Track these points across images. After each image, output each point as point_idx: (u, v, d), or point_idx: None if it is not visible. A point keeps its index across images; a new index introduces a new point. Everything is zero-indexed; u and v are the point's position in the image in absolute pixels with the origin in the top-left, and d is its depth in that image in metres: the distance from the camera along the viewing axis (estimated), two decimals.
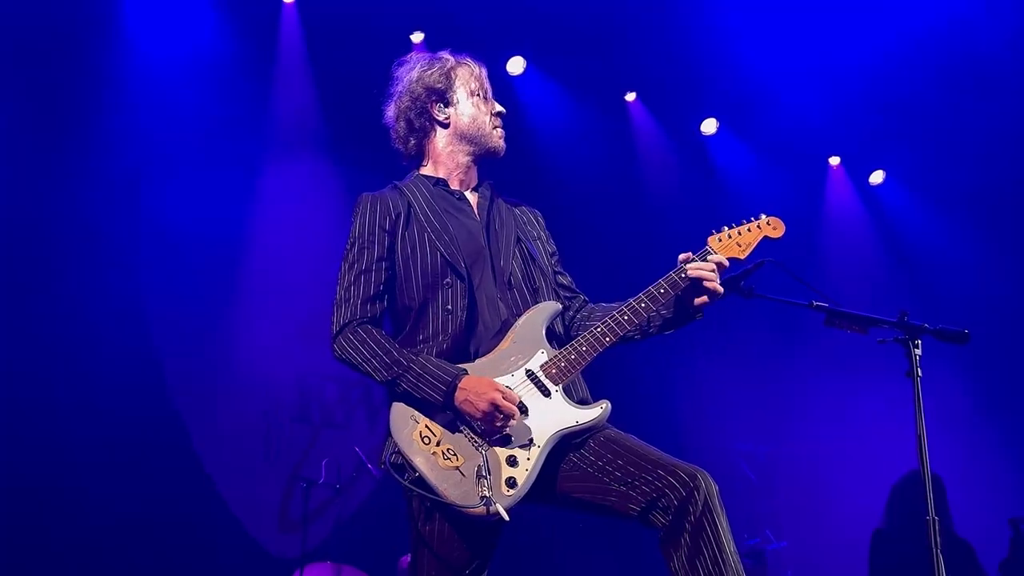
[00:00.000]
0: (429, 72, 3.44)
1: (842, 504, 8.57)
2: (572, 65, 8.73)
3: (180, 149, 8.01)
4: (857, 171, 9.80)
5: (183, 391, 8.00)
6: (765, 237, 3.34)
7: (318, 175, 8.77)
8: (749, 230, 3.34)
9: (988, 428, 8.73)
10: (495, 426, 2.97)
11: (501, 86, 8.70)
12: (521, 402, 3.04)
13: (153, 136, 7.85)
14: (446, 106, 3.43)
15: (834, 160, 9.79)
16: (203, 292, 8.10)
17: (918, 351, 3.48)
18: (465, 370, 3.05)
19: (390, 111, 3.54)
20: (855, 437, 8.74)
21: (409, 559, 6.98)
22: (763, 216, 3.36)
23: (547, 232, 3.60)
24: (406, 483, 3.00)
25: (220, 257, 8.23)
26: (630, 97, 9.19)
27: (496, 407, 2.94)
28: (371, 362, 3.10)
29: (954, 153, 8.93)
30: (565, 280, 3.53)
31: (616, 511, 2.99)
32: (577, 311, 3.46)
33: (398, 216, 3.29)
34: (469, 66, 3.50)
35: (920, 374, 3.46)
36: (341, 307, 3.21)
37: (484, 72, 3.52)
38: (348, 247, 3.31)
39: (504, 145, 3.50)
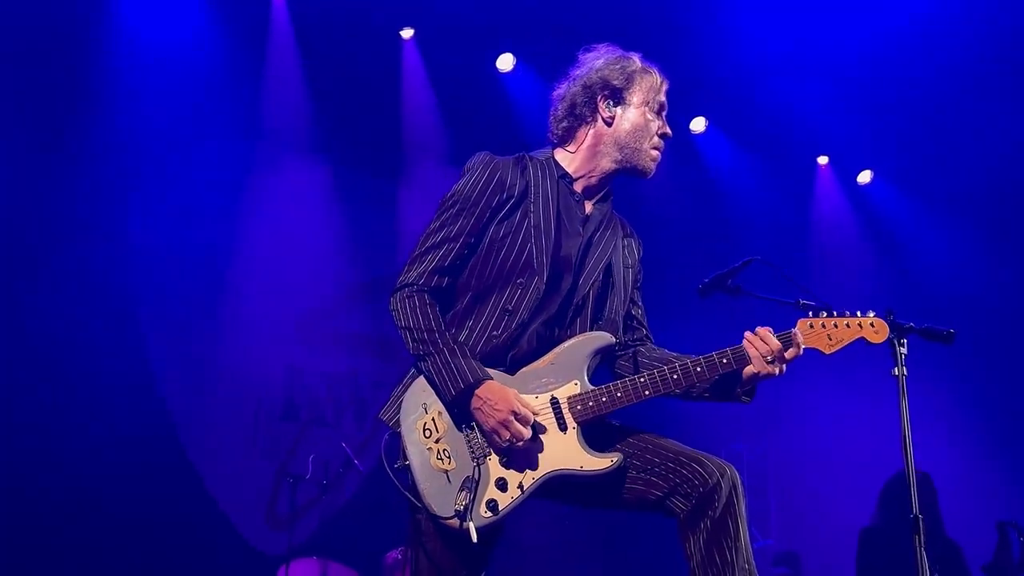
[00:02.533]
0: (612, 66, 3.27)
1: (828, 503, 8.60)
2: (561, 62, 8.70)
3: (170, 146, 8.00)
4: (845, 171, 9.84)
5: (171, 388, 7.98)
6: (862, 339, 3.09)
7: (308, 173, 8.78)
8: (848, 326, 3.09)
9: (974, 427, 8.77)
10: (500, 442, 2.90)
11: (490, 82, 8.75)
12: (534, 427, 2.94)
13: (143, 133, 7.83)
14: (615, 104, 3.25)
15: (822, 159, 9.82)
16: (192, 290, 8.09)
17: (903, 350, 3.49)
18: (491, 376, 2.96)
19: (560, 89, 3.37)
20: (842, 436, 8.78)
21: (394, 555, 7.02)
22: (870, 314, 3.12)
23: (640, 263, 3.43)
24: (400, 465, 2.98)
25: (210, 255, 8.23)
26: None
27: (506, 426, 2.88)
28: (412, 332, 3.03)
29: (942, 154, 8.97)
30: (636, 312, 3.37)
31: (638, 500, 2.98)
32: (637, 344, 3.32)
33: (509, 197, 3.13)
34: (654, 76, 3.30)
35: (906, 373, 3.47)
36: (414, 264, 3.11)
37: (666, 88, 3.33)
38: (448, 202, 3.16)
39: (653, 169, 3.30)
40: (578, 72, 3.33)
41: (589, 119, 3.27)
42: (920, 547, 3.46)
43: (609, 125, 3.24)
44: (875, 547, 5.98)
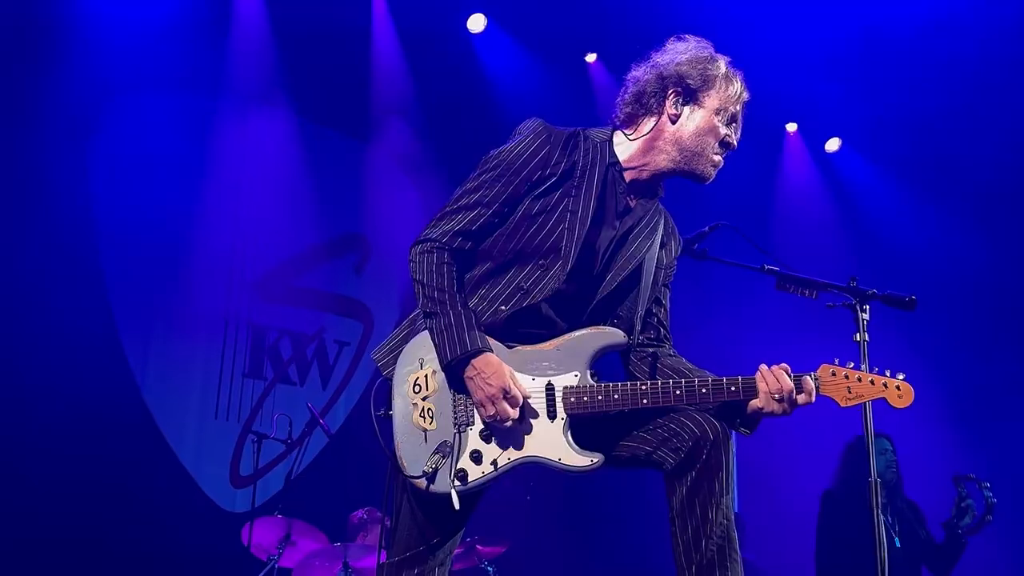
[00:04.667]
0: (694, 64, 3.10)
1: (790, 468, 8.70)
2: (533, 24, 8.67)
3: (131, 100, 7.91)
4: (813, 138, 9.87)
5: (134, 346, 7.94)
6: (883, 400, 2.95)
7: (274, 129, 8.69)
8: (872, 383, 2.95)
9: (935, 392, 8.89)
10: (485, 414, 2.88)
11: (461, 43, 8.68)
12: (523, 408, 2.92)
13: (104, 84, 7.74)
14: (684, 103, 3.10)
15: (791, 127, 9.85)
16: (155, 246, 8.02)
17: (866, 316, 3.54)
18: (490, 348, 2.91)
19: (635, 72, 3.21)
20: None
21: (359, 514, 7.03)
22: (900, 376, 2.97)
23: (675, 265, 3.32)
24: (381, 413, 2.97)
25: (173, 211, 8.15)
26: (590, 58, 9.16)
27: (494, 401, 2.85)
28: (424, 287, 2.98)
29: (909, 123, 9.01)
30: (659, 312, 3.25)
31: (631, 456, 2.98)
32: (651, 346, 3.22)
33: (551, 175, 3.02)
34: (735, 85, 3.14)
35: (867, 338, 3.51)
36: (442, 220, 3.05)
37: (746, 99, 3.18)
38: (492, 163, 3.07)
39: (713, 176, 3.16)
40: (658, 59, 3.18)
41: (655, 111, 3.13)
42: (877, 509, 3.51)
43: (673, 122, 3.11)
44: (836, 509, 6.07)
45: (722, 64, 3.15)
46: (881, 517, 3.50)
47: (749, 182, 9.63)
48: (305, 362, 8.90)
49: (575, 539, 9.29)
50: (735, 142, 3.17)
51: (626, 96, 3.19)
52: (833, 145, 9.86)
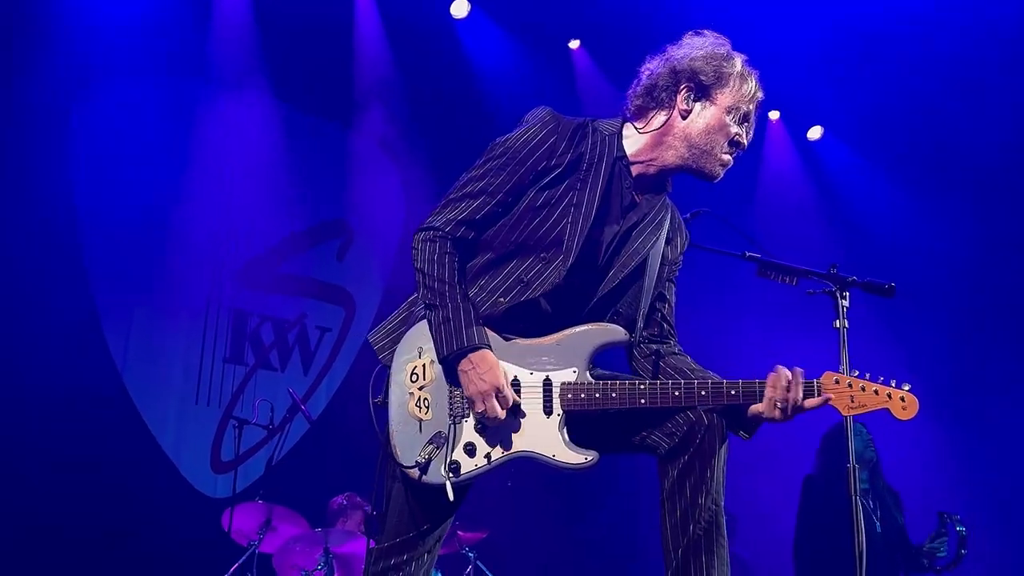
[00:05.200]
0: (708, 59, 3.05)
1: (771, 450, 8.73)
2: (517, 10, 8.65)
3: (113, 84, 7.86)
4: (796, 126, 9.89)
5: (115, 330, 7.91)
6: (886, 411, 2.92)
7: (257, 114, 8.65)
8: (876, 393, 2.93)
9: (913, 377, 8.94)
10: (475, 410, 2.87)
11: (444, 29, 8.65)
12: (518, 404, 2.90)
13: (87, 69, 7.68)
14: (696, 99, 3.05)
15: (774, 114, 9.86)
16: (137, 232, 7.99)
17: (845, 303, 3.56)
18: (488, 344, 2.89)
19: (650, 64, 3.15)
20: None
21: (339, 500, 7.02)
22: (905, 387, 2.95)
23: (682, 257, 3.28)
24: (376, 400, 2.96)
25: (155, 196, 8.11)
26: (574, 44, 9.14)
27: (485, 398, 2.84)
28: (425, 277, 2.94)
29: (891, 112, 9.04)
30: (663, 308, 3.22)
31: (624, 440, 2.99)
32: (654, 343, 3.19)
33: (556, 166, 2.98)
34: (750, 84, 3.09)
35: (847, 325, 3.53)
36: (446, 208, 3.00)
37: (760, 99, 3.13)
38: (498, 150, 3.02)
39: (721, 175, 3.11)
40: (673, 53, 3.12)
41: (667, 105, 3.08)
42: (855, 496, 3.54)
43: (684, 118, 3.06)
44: (816, 495, 6.11)
45: (738, 62, 3.10)
46: (859, 504, 3.52)
47: (731, 170, 9.64)
48: (287, 348, 8.88)
49: (556, 525, 9.32)
50: (746, 142, 3.12)
51: (638, 88, 3.14)
52: (815, 133, 9.88)
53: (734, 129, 3.07)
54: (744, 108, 3.08)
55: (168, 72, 8.18)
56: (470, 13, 8.58)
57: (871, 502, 6.06)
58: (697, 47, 3.10)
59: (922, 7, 8.00)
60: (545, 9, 8.58)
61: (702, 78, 3.04)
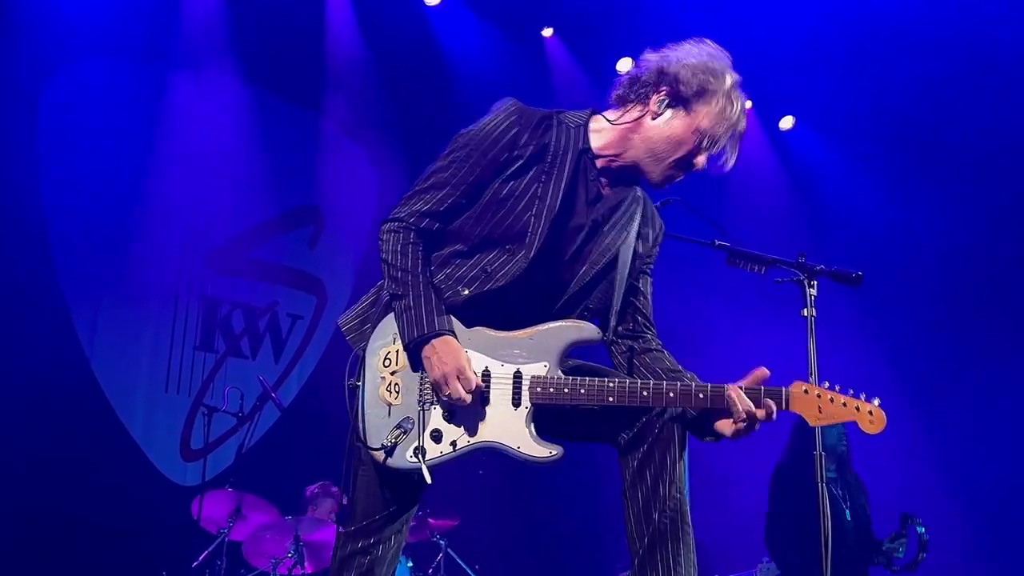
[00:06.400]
0: (697, 70, 2.95)
1: (742, 444, 8.78)
2: None
3: (79, 66, 7.79)
4: (768, 116, 9.92)
5: (83, 317, 7.86)
6: (855, 424, 2.91)
7: (227, 99, 8.59)
8: (844, 405, 2.92)
9: (881, 366, 9.01)
10: (440, 394, 2.87)
11: (417, 16, 8.61)
12: (487, 395, 2.91)
13: (52, 54, 7.62)
14: (670, 106, 2.97)
15: (746, 104, 9.88)
16: (104, 217, 7.92)
17: (813, 291, 3.59)
18: (451, 331, 2.90)
19: (645, 56, 3.05)
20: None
21: (313, 488, 7.01)
22: (875, 402, 2.93)
23: (657, 249, 3.23)
24: (351, 383, 2.96)
25: (122, 181, 8.05)
26: (547, 32, 9.13)
27: (447, 381, 2.84)
28: (390, 267, 2.95)
29: (863, 101, 9.09)
30: (639, 302, 3.18)
31: (588, 432, 3.00)
32: (629, 340, 3.16)
33: (519, 157, 2.95)
34: (733, 108, 3.00)
35: (815, 313, 3.56)
36: (411, 199, 3.01)
37: (740, 129, 3.03)
38: (462, 140, 3.00)
39: (660, 187, 3.05)
40: (669, 53, 3.03)
41: (639, 103, 3.01)
42: (822, 483, 3.57)
43: (653, 119, 2.98)
44: (785, 482, 6.15)
45: (727, 82, 2.99)
46: (826, 491, 3.56)
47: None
48: (257, 335, 8.84)
49: (527, 513, 9.36)
50: (701, 165, 3.02)
51: (623, 79, 3.09)
52: (787, 123, 9.92)
53: (695, 149, 2.98)
54: (718, 133, 2.98)
55: (136, 56, 8.12)
56: (443, 0, 8.55)
57: (840, 490, 6.11)
58: (693, 54, 3.00)
59: None
60: None
61: (683, 87, 2.95)
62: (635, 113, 3.02)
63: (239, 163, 8.68)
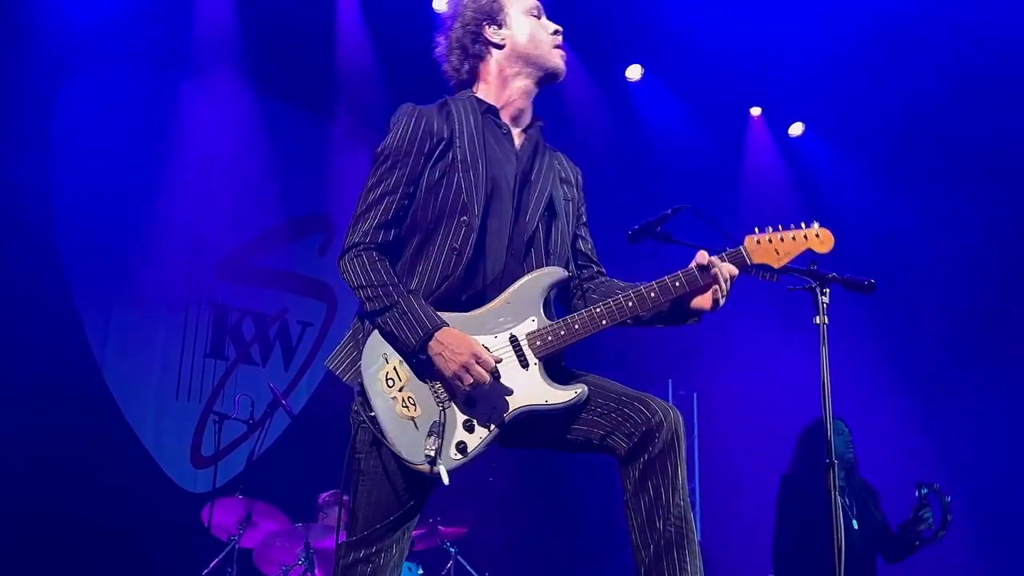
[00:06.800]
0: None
1: (755, 448, 8.76)
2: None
3: (91, 74, 7.82)
4: (777, 122, 9.92)
5: (95, 325, 7.88)
6: (809, 250, 3.14)
7: (238, 106, 8.61)
8: (794, 238, 3.14)
9: (893, 373, 8.98)
10: (462, 387, 2.89)
11: (426, 22, 8.61)
12: (496, 368, 2.94)
13: (64, 61, 7.65)
14: (500, 27, 3.28)
15: (755, 110, 9.89)
16: (117, 226, 7.96)
17: (825, 299, 3.57)
18: (446, 322, 2.93)
19: (441, 44, 3.40)
20: (766, 382, 8.92)
21: (325, 496, 7.00)
22: (815, 225, 3.17)
23: (582, 193, 3.41)
24: (367, 416, 2.95)
25: (134, 188, 8.07)
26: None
27: (467, 370, 2.86)
28: (365, 289, 2.98)
29: (872, 108, 9.07)
30: (584, 247, 3.37)
31: (585, 440, 3.00)
32: (588, 281, 3.32)
33: (440, 141, 3.10)
34: None
35: (827, 322, 3.54)
36: (358, 224, 3.09)
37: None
38: (380, 158, 3.12)
39: (564, 67, 3.32)
40: (450, 20, 3.37)
41: (485, 52, 3.30)
42: (835, 492, 3.54)
43: (503, 48, 3.28)
44: (794, 491, 6.11)
45: None
46: (839, 499, 3.54)
47: (713, 166, 9.68)
48: (268, 343, 8.85)
49: (537, 520, 9.34)
50: (559, 27, 3.35)
51: (454, 62, 3.35)
52: (797, 129, 9.92)
53: (543, 22, 3.33)
54: (533, 5, 3.34)
55: (147, 64, 8.15)
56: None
57: (847, 499, 6.08)
58: (459, 1, 3.35)
59: (905, 2, 8.03)
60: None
61: (488, 10, 3.29)
62: (490, 62, 3.29)
63: (250, 170, 8.70)
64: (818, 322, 3.57)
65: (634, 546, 2.90)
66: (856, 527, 5.98)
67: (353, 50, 8.67)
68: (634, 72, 9.42)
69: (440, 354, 2.89)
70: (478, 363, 2.88)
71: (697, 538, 2.92)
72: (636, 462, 2.90)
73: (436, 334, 2.90)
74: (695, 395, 9.92)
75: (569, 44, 9.68)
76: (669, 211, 3.47)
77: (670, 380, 9.89)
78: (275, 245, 9.03)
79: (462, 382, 2.89)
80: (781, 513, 6.17)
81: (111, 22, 7.69)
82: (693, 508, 9.12)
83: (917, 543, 5.90)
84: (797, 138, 9.98)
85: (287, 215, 9.10)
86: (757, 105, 9.86)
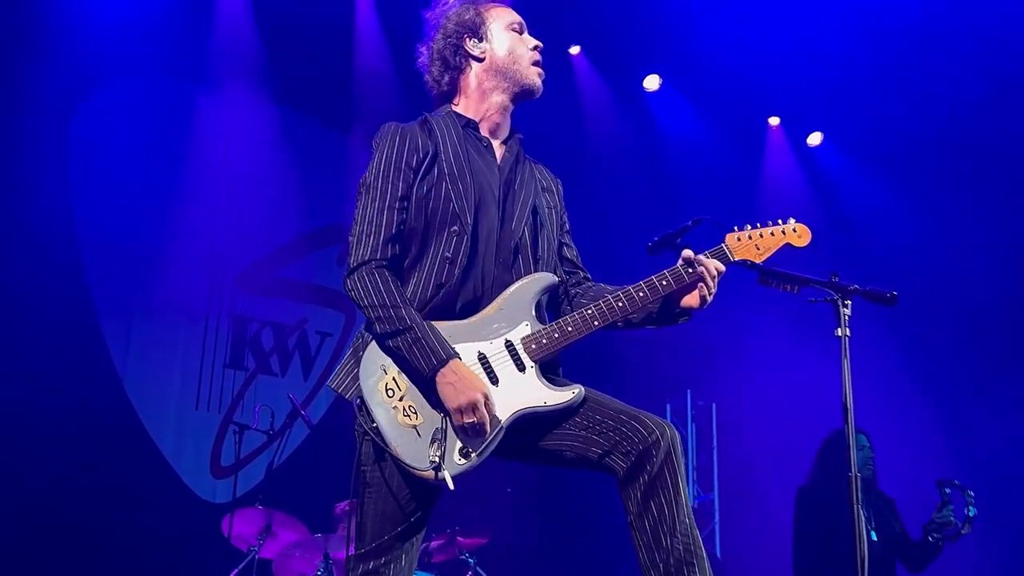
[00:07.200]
0: (461, 11, 3.37)
1: (768, 465, 8.73)
2: (520, 15, 8.64)
3: (113, 86, 7.87)
4: (796, 132, 9.90)
5: (115, 336, 7.91)
6: (788, 244, 3.27)
7: (258, 118, 8.65)
8: (772, 234, 3.28)
9: (913, 386, 8.94)
10: (462, 422, 2.90)
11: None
12: (495, 374, 3.00)
13: (85, 73, 7.70)
14: (480, 41, 3.34)
15: (774, 120, 9.87)
16: (137, 237, 8.00)
17: (847, 311, 3.55)
18: (458, 354, 2.96)
19: (423, 55, 3.45)
20: (789, 394, 8.89)
21: (343, 506, 7.01)
22: (791, 221, 3.32)
23: (563, 202, 3.48)
24: (370, 427, 2.97)
25: (154, 199, 8.11)
26: (574, 50, 9.16)
27: (473, 409, 2.88)
28: (377, 310, 3.00)
29: (890, 117, 9.05)
30: (570, 254, 3.43)
31: (580, 458, 3.00)
32: (576, 286, 3.37)
33: (426, 155, 3.15)
34: (503, 5, 3.43)
35: (848, 334, 3.52)
36: (361, 243, 3.10)
37: (515, 12, 3.44)
38: (371, 178, 3.16)
39: (541, 85, 3.36)
40: (433, 32, 3.41)
41: (465, 65, 3.34)
42: (857, 505, 3.52)
43: (483, 61, 3.33)
44: (813, 504, 6.08)
45: None
46: (861, 513, 3.51)
47: (731, 176, 9.66)
48: (287, 353, 8.88)
49: (555, 531, 9.32)
50: (540, 43, 3.39)
51: (435, 74, 3.39)
52: (815, 139, 9.90)
53: (524, 37, 3.38)
54: (515, 20, 3.39)
55: (167, 75, 8.20)
56: None
57: (865, 512, 6.04)
58: (444, 11, 3.41)
59: (923, 11, 8.01)
60: (544, 15, 8.54)
61: (470, 24, 3.34)
62: (469, 75, 3.34)
63: (269, 181, 8.74)
64: (840, 334, 3.55)
65: (643, 566, 2.90)
66: (875, 539, 5.95)
67: (371, 61, 8.71)
68: (652, 83, 9.43)
69: (451, 384, 2.91)
70: (484, 405, 2.90)
71: (705, 553, 2.91)
72: (636, 482, 2.91)
73: (449, 363, 2.92)
74: (714, 405, 9.90)
75: (587, 55, 9.75)
76: (689, 223, 3.46)
77: (689, 390, 9.89)
78: (294, 256, 9.06)
79: (462, 417, 2.90)
80: (799, 525, 6.14)
81: (131, 35, 7.75)
82: (712, 518, 9.10)
83: (942, 542, 5.87)
84: (816, 148, 9.95)
85: (305, 226, 9.13)
86: (775, 115, 9.84)
